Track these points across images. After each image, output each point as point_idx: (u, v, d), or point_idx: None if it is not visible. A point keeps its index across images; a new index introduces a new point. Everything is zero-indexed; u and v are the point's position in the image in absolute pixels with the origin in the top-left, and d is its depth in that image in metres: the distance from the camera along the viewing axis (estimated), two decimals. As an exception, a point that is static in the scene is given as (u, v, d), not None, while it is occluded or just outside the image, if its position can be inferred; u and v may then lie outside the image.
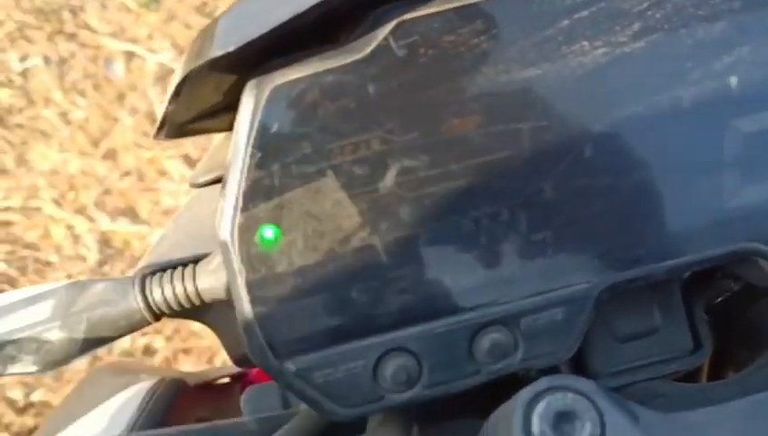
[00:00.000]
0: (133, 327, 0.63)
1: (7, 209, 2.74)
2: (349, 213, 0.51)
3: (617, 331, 0.66)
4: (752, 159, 0.53)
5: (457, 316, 0.52)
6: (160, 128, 0.57)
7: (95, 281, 0.66)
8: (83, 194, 2.77)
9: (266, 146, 0.51)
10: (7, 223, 2.73)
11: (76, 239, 2.68)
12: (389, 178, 0.51)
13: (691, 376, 0.78)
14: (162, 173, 2.79)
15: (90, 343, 0.64)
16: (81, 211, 2.73)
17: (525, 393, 0.43)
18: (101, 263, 2.63)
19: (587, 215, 0.52)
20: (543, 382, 0.44)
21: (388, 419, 0.56)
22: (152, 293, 0.60)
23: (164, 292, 0.60)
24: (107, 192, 2.77)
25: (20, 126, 2.94)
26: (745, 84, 0.53)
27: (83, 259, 2.64)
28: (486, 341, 0.52)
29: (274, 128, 0.51)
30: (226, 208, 0.51)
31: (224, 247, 0.51)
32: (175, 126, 0.59)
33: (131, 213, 2.72)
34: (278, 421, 0.59)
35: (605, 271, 0.52)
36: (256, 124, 0.51)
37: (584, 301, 0.52)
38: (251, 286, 0.51)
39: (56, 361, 0.64)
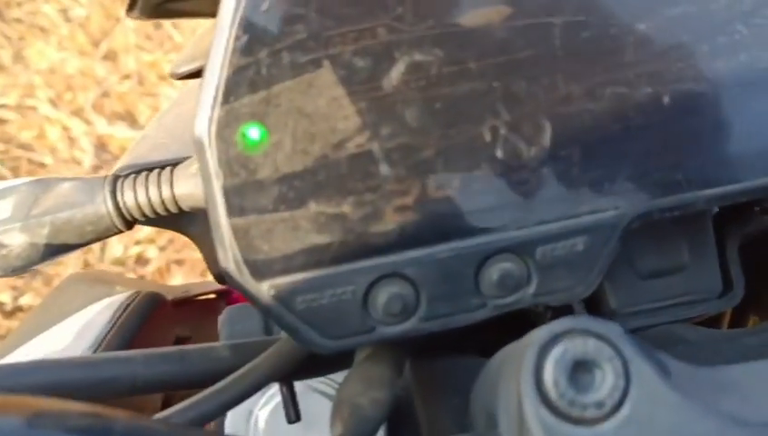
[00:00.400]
0: (100, 234, 0.56)
1: (2, 106, 2.65)
2: (346, 113, 0.44)
3: (640, 266, 0.59)
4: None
5: (464, 240, 0.45)
6: (132, 4, 0.49)
7: (62, 179, 0.59)
8: (81, 96, 2.68)
9: (254, 28, 0.43)
10: (1, 121, 2.65)
11: (72, 141, 2.61)
12: (396, 74, 0.44)
13: (711, 320, 0.72)
14: (163, 77, 2.70)
15: (53, 249, 0.57)
16: (78, 112, 2.65)
17: (540, 334, 0.36)
18: (96, 168, 2.56)
19: (622, 131, 0.45)
20: (562, 323, 0.37)
21: (378, 352, 0.50)
22: (123, 197, 0.54)
23: (137, 196, 0.53)
24: (106, 94, 2.69)
25: (18, 21, 2.83)
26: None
27: (79, 162, 2.57)
28: (494, 271, 0.45)
29: (264, 6, 0.43)
30: (204, 100, 0.44)
31: (199, 145, 0.44)
32: (150, 4, 0.51)
33: (129, 118, 2.64)
34: (255, 349, 0.52)
35: (637, 196, 0.45)
36: (243, 1, 0.43)
37: (610, 230, 0.45)
38: (228, 192, 0.44)
39: (15, 267, 0.57)
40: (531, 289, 0.47)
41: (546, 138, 0.45)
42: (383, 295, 0.46)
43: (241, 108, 0.44)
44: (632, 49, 0.45)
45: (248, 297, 0.46)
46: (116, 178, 0.56)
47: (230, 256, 0.45)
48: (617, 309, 0.60)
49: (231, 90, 0.44)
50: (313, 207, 0.45)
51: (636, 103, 0.45)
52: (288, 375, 0.53)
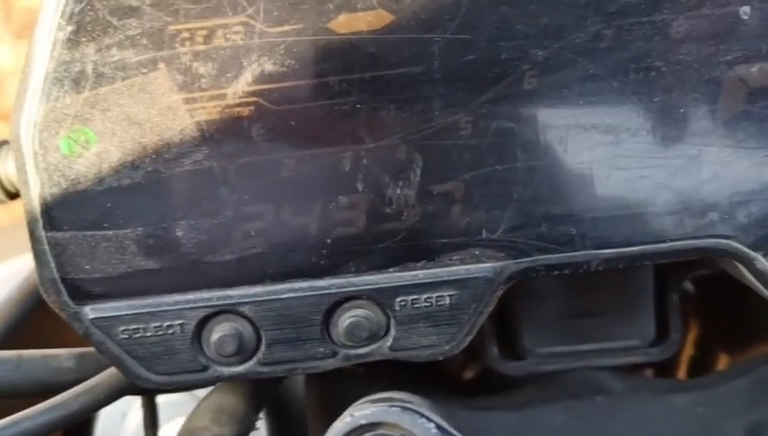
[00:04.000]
0: None
1: None
2: (183, 124, 0.38)
3: (560, 304, 0.53)
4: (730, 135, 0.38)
5: (312, 281, 0.39)
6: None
7: None
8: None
9: (81, 18, 0.37)
10: None
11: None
12: (243, 84, 0.37)
13: (666, 370, 0.65)
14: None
15: None
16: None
17: (341, 426, 0.31)
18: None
19: (507, 170, 0.38)
20: (372, 413, 0.31)
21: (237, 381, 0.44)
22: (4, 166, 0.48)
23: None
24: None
25: None
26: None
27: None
28: (346, 319, 0.39)
29: (92, -7, 0.37)
30: (23, 96, 0.38)
31: (16, 147, 0.38)
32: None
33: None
34: (104, 360, 0.47)
35: (520, 249, 0.38)
36: (69, -16, 0.37)
37: (483, 286, 0.39)
38: (46, 203, 0.38)
39: None
40: (388, 342, 0.41)
41: (416, 173, 0.39)
42: (216, 333, 0.40)
43: (64, 109, 0.38)
44: (526, 77, 0.38)
45: (65, 319, 0.40)
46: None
47: (47, 273, 0.40)
48: (531, 348, 0.53)
49: (54, 88, 0.38)
50: (141, 228, 0.39)
51: (524, 139, 0.38)
52: (140, 390, 0.48)
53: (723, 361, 0.70)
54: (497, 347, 0.53)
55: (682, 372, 0.69)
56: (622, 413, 0.51)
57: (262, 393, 0.47)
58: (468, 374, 0.68)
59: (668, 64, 0.38)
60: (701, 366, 0.68)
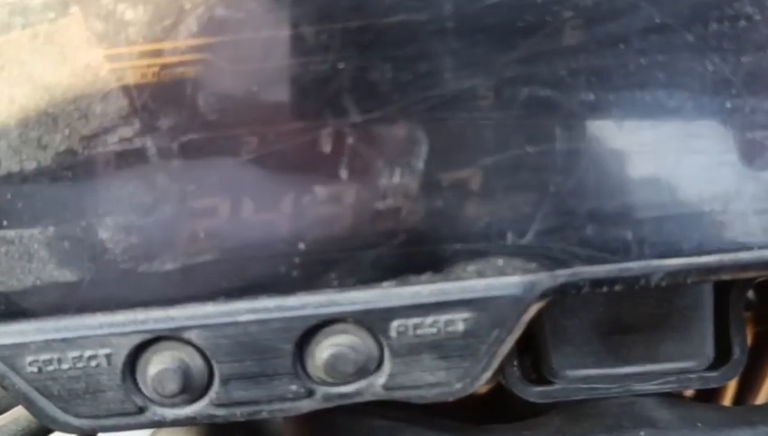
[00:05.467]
0: None
1: None
2: (105, 88, 0.28)
3: (597, 316, 0.44)
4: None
5: (281, 298, 0.30)
6: None
7: None
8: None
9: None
10: None
11: None
12: (185, 33, 0.28)
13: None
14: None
15: None
16: None
17: None
18: None
19: (539, 153, 0.28)
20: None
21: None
22: None
23: None
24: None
25: None
26: None
27: None
28: (326, 348, 0.30)
29: None
30: None
31: None
32: None
33: None
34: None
35: (556, 258, 0.29)
36: None
37: (510, 306, 0.31)
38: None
39: None
40: (381, 379, 0.32)
41: (419, 157, 0.29)
42: (155, 366, 0.31)
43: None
44: (567, 28, 0.28)
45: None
46: None
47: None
48: (560, 370, 0.44)
49: None
50: (53, 227, 0.30)
51: (564, 112, 0.28)
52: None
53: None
54: (517, 367, 0.44)
55: (729, 394, 0.59)
56: None
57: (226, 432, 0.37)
58: (483, 388, 0.59)
59: (764, 10, 0.28)
60: (753, 386, 0.58)
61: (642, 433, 0.43)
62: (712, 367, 0.45)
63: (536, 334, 0.45)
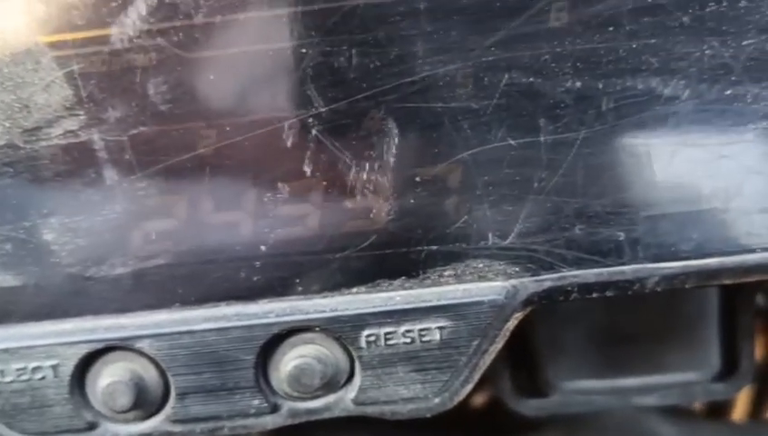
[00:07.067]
0: None
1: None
2: (48, 77, 0.26)
3: (594, 324, 0.42)
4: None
5: (242, 304, 0.28)
6: None
7: None
8: None
9: None
10: None
11: None
12: (135, 17, 0.25)
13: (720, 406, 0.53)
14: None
15: None
16: None
17: None
18: None
19: (522, 142, 0.26)
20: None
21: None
22: None
23: None
24: None
25: None
26: None
27: None
28: (291, 360, 0.28)
29: None
30: None
31: None
32: None
33: None
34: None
35: (541, 261, 0.26)
36: None
37: (491, 315, 0.29)
38: None
39: None
40: (351, 393, 0.29)
41: (390, 151, 0.27)
42: (106, 378, 0.29)
43: None
44: (553, 10, 0.25)
45: None
46: None
47: None
48: (555, 382, 0.42)
49: None
50: (-7, 227, 0.28)
51: (549, 101, 0.26)
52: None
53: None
54: (510, 379, 0.41)
55: (741, 407, 0.56)
56: None
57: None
58: (477, 399, 0.56)
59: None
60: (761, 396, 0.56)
61: None
62: (718, 378, 0.43)
63: (529, 344, 0.43)
